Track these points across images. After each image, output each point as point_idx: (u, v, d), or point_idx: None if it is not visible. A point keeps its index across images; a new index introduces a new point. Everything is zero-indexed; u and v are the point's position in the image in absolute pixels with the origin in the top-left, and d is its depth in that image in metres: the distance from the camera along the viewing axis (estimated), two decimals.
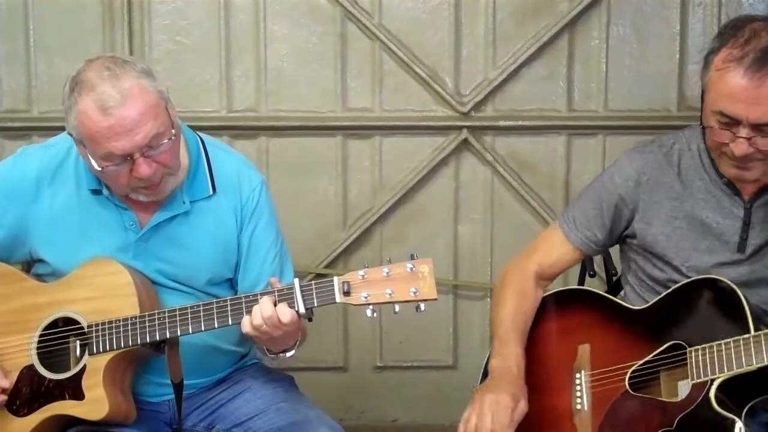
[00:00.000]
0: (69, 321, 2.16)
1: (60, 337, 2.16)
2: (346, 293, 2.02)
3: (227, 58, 3.57)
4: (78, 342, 2.14)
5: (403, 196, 3.65)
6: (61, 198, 2.21)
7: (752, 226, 2.16)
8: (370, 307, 2.02)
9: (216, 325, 2.09)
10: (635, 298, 2.33)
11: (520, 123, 3.63)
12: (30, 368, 2.16)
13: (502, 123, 3.63)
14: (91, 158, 2.08)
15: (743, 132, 2.01)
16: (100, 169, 2.07)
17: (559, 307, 2.33)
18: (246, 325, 2.06)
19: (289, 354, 2.20)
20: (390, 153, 3.65)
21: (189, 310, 2.10)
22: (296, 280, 2.06)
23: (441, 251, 3.68)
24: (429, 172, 3.64)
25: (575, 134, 3.66)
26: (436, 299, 2.03)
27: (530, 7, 3.59)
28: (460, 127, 3.62)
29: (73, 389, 2.12)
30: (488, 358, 2.28)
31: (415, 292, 2.00)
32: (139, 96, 2.04)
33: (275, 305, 2.04)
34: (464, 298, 3.72)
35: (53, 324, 2.16)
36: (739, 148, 2.02)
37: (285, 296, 2.06)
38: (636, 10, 3.60)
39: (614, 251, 2.55)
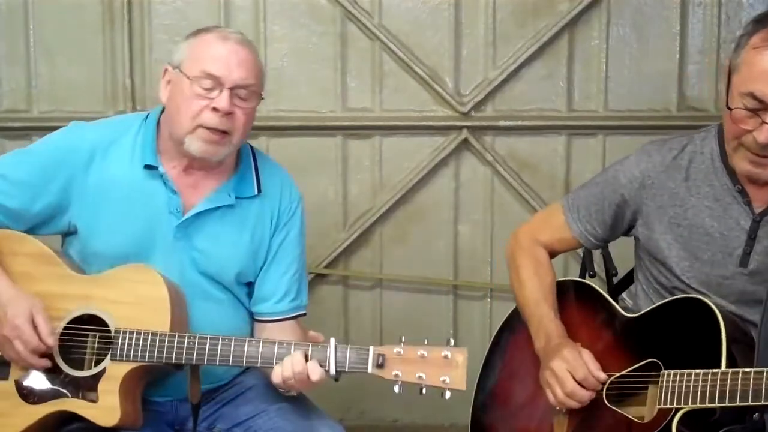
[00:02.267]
0: (93, 319, 2.14)
1: (84, 334, 2.13)
2: (380, 366, 2.03)
3: None
4: (98, 342, 2.12)
5: (403, 196, 3.65)
6: (111, 171, 2.22)
7: (758, 241, 2.08)
8: (399, 383, 2.03)
9: (243, 365, 2.12)
10: (643, 297, 2.31)
11: (520, 123, 3.63)
12: (49, 357, 2.12)
13: (502, 123, 3.63)
14: (185, 73, 2.17)
15: None
16: (190, 79, 2.15)
17: (557, 296, 2.31)
18: (276, 376, 2.08)
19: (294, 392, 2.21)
20: (390, 153, 3.65)
21: (219, 343, 2.10)
22: (332, 340, 2.07)
23: (441, 251, 3.68)
24: (429, 172, 3.64)
25: (575, 134, 3.66)
26: (464, 390, 2.03)
27: (530, 7, 3.59)
28: (460, 127, 3.62)
29: (88, 390, 2.10)
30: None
31: (445, 381, 2.01)
32: (255, 55, 2.25)
33: (307, 360, 2.05)
34: (464, 298, 3.72)
35: (78, 318, 2.14)
36: (764, 135, 1.94)
37: (317, 354, 2.06)
38: (636, 10, 3.60)
39: (614, 251, 2.56)
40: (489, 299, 3.71)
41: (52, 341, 2.09)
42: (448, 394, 2.02)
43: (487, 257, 3.69)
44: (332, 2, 3.57)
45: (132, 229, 2.21)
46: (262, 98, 2.27)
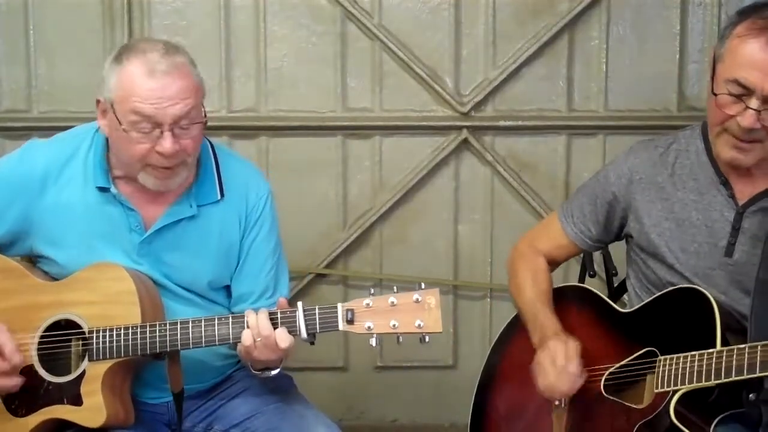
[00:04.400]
0: (70, 323, 2.14)
1: (61, 339, 2.14)
2: (350, 321, 2.01)
3: (227, 58, 3.57)
4: (81, 345, 2.13)
5: (403, 196, 3.65)
6: (66, 194, 2.20)
7: (742, 232, 2.12)
8: (374, 336, 2.01)
9: (216, 342, 2.10)
10: (635, 298, 2.33)
11: (520, 123, 3.63)
12: (30, 368, 2.14)
13: (502, 123, 3.63)
14: (118, 118, 2.07)
15: (754, 103, 1.97)
16: (125, 129, 2.05)
17: (556, 302, 2.34)
18: (247, 339, 2.05)
19: (273, 373, 2.19)
20: (390, 153, 3.65)
21: (190, 324, 2.09)
22: (300, 304, 2.05)
23: (441, 251, 3.68)
24: (429, 172, 3.64)
25: (575, 134, 3.66)
26: (440, 332, 2.02)
27: (530, 7, 3.59)
28: (460, 127, 3.62)
29: (72, 394, 2.11)
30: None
31: (420, 325, 2.00)
32: (186, 74, 2.09)
33: (276, 328, 2.04)
34: (464, 298, 3.72)
35: (54, 325, 2.15)
36: (747, 120, 1.98)
37: (287, 320, 2.05)
38: (636, 10, 3.60)
39: (614, 251, 2.56)
40: (489, 299, 3.71)
41: (18, 359, 2.08)
42: (426, 339, 2.01)
43: (487, 257, 3.69)
44: (332, 2, 3.56)
45: (96, 252, 2.19)
46: (206, 119, 2.14)
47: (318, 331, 2.05)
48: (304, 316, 2.03)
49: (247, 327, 2.05)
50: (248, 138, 3.63)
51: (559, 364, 2.14)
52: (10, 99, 3.61)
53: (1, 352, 2.09)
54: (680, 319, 2.10)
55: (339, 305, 2.03)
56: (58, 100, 3.59)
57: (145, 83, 2.05)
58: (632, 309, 2.25)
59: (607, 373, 2.16)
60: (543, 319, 2.26)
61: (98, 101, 2.14)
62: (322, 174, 3.64)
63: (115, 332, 2.09)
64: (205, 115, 2.14)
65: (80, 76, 3.58)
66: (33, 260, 2.29)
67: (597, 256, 2.61)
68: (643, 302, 2.22)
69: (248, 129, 3.62)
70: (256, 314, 2.06)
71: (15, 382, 2.11)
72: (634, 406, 2.11)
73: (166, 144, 2.06)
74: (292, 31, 3.59)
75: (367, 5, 3.57)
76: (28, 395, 2.14)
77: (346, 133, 3.64)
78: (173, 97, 2.05)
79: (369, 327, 2.00)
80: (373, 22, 3.57)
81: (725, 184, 2.14)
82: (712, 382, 1.96)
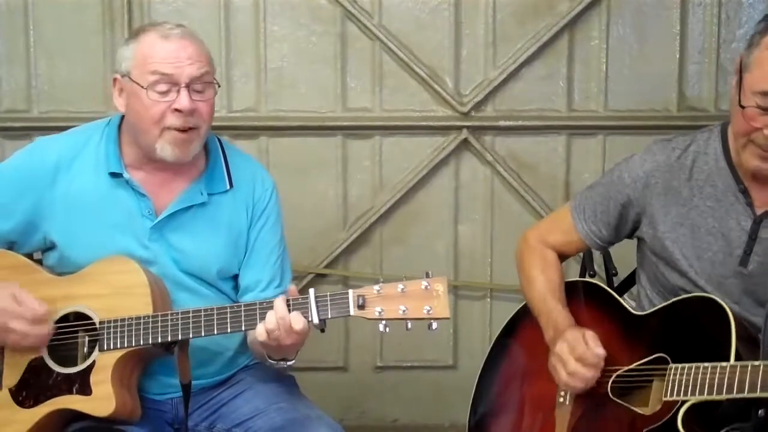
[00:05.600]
0: (80, 316, 2.16)
1: (71, 332, 2.16)
2: (361, 307, 2.04)
3: (227, 58, 3.57)
4: (87, 337, 2.14)
5: (403, 196, 3.65)
6: (78, 183, 2.23)
7: (758, 242, 2.09)
8: (383, 321, 2.03)
9: (228, 330, 2.12)
10: (645, 300, 2.31)
11: (520, 123, 3.63)
12: (39, 360, 2.16)
13: (502, 123, 3.63)
14: (138, 82, 2.15)
15: None
16: (144, 87, 2.14)
17: (566, 297, 2.31)
18: (261, 334, 2.07)
19: (288, 363, 2.23)
20: (390, 153, 3.65)
21: (202, 313, 2.11)
22: (312, 291, 2.08)
23: (441, 251, 3.68)
24: (429, 172, 3.64)
25: (575, 134, 3.66)
26: (448, 318, 2.05)
27: (530, 7, 3.59)
28: (460, 127, 3.62)
29: (81, 384, 2.12)
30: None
31: (428, 311, 2.02)
32: (199, 42, 2.23)
33: (289, 309, 2.06)
34: (464, 298, 3.72)
35: (64, 318, 2.17)
36: None
37: (299, 305, 2.07)
38: (636, 10, 3.61)
39: (614, 251, 2.56)
40: (489, 299, 3.71)
41: (43, 309, 2.12)
42: (434, 325, 2.04)
43: (487, 257, 3.69)
44: (332, 2, 3.57)
45: (107, 238, 2.21)
46: (218, 85, 2.26)
47: (330, 316, 2.07)
48: (316, 301, 2.06)
49: (263, 321, 2.07)
50: (248, 138, 3.63)
51: (579, 351, 2.11)
52: (10, 99, 3.61)
53: (25, 305, 2.11)
54: (694, 328, 2.07)
55: (350, 291, 2.06)
56: (58, 100, 3.59)
57: (162, 46, 2.17)
58: (645, 312, 2.21)
59: (615, 375, 2.14)
60: (556, 315, 2.24)
61: (114, 80, 2.23)
62: (322, 174, 3.65)
63: (126, 322, 2.12)
64: (219, 85, 2.25)
65: (80, 76, 3.58)
66: (39, 261, 2.30)
67: (597, 255, 2.61)
68: (657, 307, 2.19)
69: (248, 129, 3.62)
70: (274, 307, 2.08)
71: (46, 330, 2.13)
72: (640, 412, 2.08)
73: (183, 100, 2.15)
74: (292, 31, 3.59)
75: (367, 5, 3.57)
76: (36, 386, 2.15)
77: (346, 133, 3.64)
78: (189, 57, 2.17)
79: (380, 311, 2.03)
80: (373, 22, 3.57)
81: (744, 191, 2.10)
82: (723, 396, 1.91)
